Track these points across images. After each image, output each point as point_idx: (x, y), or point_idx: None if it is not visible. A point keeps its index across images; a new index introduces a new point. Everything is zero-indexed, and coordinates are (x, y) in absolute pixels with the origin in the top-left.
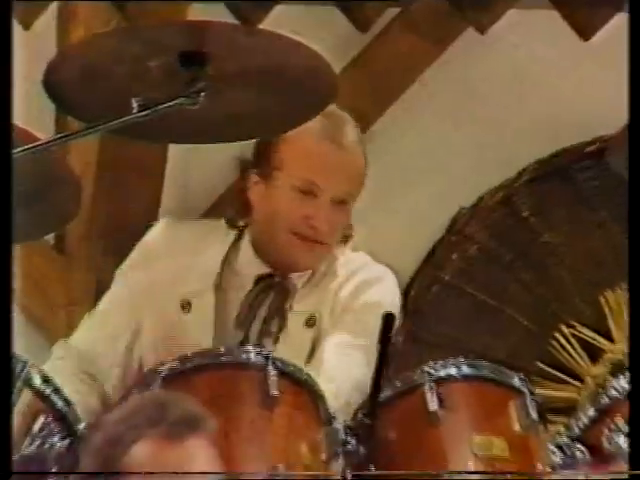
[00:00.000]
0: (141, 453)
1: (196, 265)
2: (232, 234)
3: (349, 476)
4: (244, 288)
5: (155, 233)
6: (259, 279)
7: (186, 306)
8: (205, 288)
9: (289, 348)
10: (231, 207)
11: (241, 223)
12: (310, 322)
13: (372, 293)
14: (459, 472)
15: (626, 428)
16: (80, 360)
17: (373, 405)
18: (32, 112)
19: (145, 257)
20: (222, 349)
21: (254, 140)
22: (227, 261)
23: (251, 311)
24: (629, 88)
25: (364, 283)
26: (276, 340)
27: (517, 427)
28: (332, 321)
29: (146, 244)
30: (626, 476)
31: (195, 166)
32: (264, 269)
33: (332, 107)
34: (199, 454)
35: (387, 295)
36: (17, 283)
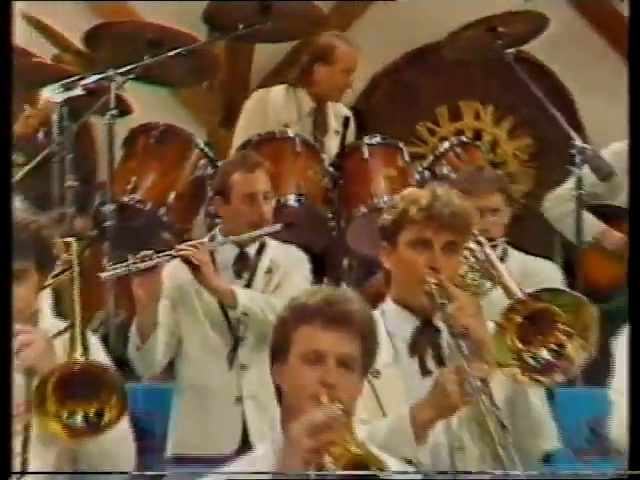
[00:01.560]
0: (236, 177)
1: (285, 106)
2: (292, 90)
3: None
4: (306, 112)
5: (258, 95)
6: (314, 109)
7: (286, 126)
8: (296, 115)
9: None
10: (294, 78)
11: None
12: (346, 122)
13: None
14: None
15: (450, 171)
16: None
17: (340, 154)
18: (192, 29)
19: (256, 107)
20: (277, 131)
21: (292, 40)
22: (298, 102)
23: (316, 122)
24: (629, 89)
25: None
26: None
27: (400, 164)
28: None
29: (255, 100)
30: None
31: (263, 54)
32: (313, 104)
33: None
34: (262, 179)
35: None
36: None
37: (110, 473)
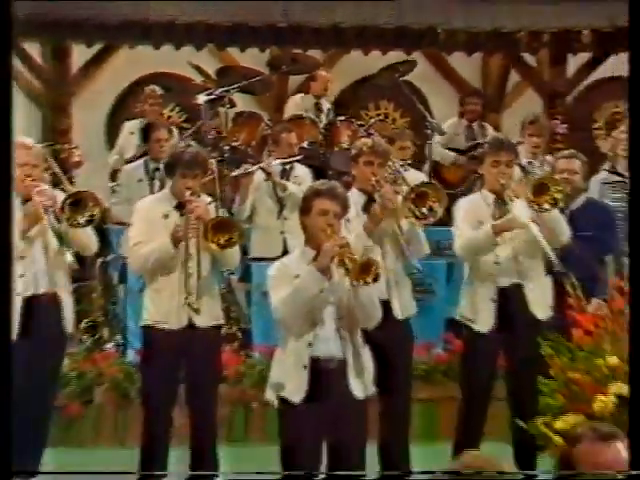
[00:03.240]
0: (283, 135)
1: (302, 103)
2: (305, 96)
3: None
4: (311, 105)
5: (292, 99)
6: (315, 103)
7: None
8: (306, 107)
9: None
10: (305, 89)
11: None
12: (329, 110)
13: None
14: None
15: (374, 132)
16: None
17: (326, 125)
18: (261, 68)
19: (290, 104)
20: (298, 114)
21: (305, 74)
22: (308, 101)
23: (316, 109)
24: (629, 91)
25: None
26: None
27: (353, 129)
28: None
29: (290, 101)
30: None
31: (293, 80)
32: (314, 100)
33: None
34: (294, 137)
35: None
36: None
37: (111, 473)
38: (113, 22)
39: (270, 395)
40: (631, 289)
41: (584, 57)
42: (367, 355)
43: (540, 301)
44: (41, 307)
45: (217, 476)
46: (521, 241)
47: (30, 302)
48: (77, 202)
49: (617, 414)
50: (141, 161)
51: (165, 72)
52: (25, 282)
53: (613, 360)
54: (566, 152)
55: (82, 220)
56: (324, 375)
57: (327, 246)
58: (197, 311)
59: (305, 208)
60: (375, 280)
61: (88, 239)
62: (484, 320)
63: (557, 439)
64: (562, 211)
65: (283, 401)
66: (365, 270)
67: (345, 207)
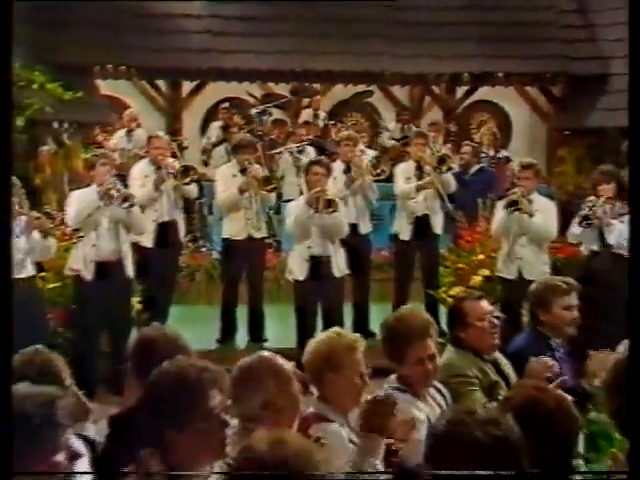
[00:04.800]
0: (299, 129)
1: (308, 115)
2: (310, 111)
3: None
4: (311, 115)
5: (304, 112)
6: (313, 114)
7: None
8: (309, 117)
9: None
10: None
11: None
12: (324, 118)
13: None
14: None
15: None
16: None
17: (323, 127)
18: (286, 93)
19: (303, 115)
20: (306, 119)
21: (310, 97)
22: (311, 113)
23: (315, 118)
24: (629, 90)
25: None
26: None
27: (340, 128)
28: None
29: (302, 114)
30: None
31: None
32: (314, 112)
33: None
34: (306, 131)
35: None
36: None
37: (108, 473)
38: (204, 68)
39: (288, 276)
40: (631, 288)
41: (465, 88)
42: (342, 254)
43: (438, 224)
44: (167, 228)
45: (266, 340)
46: (429, 192)
47: (162, 226)
48: (186, 170)
49: (483, 286)
50: (223, 145)
51: (233, 96)
52: (157, 214)
53: (481, 257)
54: (462, 143)
55: (188, 180)
56: (318, 265)
57: (310, 192)
58: (259, 228)
59: (305, 171)
60: (334, 211)
61: (192, 190)
62: (405, 233)
63: (450, 300)
64: (464, 174)
65: (295, 280)
66: (329, 204)
67: (329, 171)
